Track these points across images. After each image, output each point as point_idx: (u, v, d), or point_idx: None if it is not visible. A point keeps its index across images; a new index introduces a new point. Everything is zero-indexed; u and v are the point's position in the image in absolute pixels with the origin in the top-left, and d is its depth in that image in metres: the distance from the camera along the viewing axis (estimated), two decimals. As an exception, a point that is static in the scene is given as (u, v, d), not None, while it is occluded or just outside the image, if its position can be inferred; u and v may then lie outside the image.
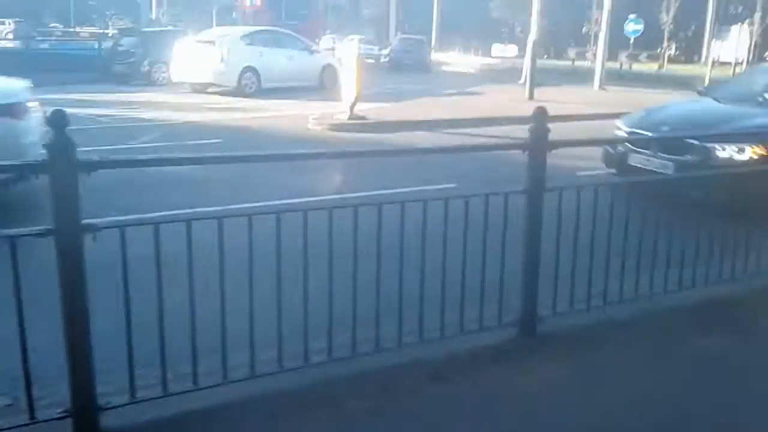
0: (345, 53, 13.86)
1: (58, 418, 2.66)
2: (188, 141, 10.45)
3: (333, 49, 21.81)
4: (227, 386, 2.98)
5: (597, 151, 7.69)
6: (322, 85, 19.13)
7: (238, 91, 17.19)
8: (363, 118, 12.61)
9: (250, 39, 18.57)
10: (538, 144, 3.53)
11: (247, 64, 17.45)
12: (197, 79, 17.61)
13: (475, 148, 4.35)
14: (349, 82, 12.45)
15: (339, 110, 12.90)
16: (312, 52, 20.18)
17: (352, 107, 12.45)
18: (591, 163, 7.89)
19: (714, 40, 22.23)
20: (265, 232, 2.96)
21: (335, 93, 15.22)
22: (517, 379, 3.25)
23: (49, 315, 3.85)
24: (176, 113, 13.93)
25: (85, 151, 2.63)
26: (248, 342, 3.03)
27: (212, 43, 17.55)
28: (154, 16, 35.67)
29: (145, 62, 20.33)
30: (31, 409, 2.64)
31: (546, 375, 3.30)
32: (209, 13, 32.72)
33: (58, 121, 2.52)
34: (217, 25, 30.24)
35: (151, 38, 21.84)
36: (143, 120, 12.89)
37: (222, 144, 10.17)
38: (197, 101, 16.10)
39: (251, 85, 17.60)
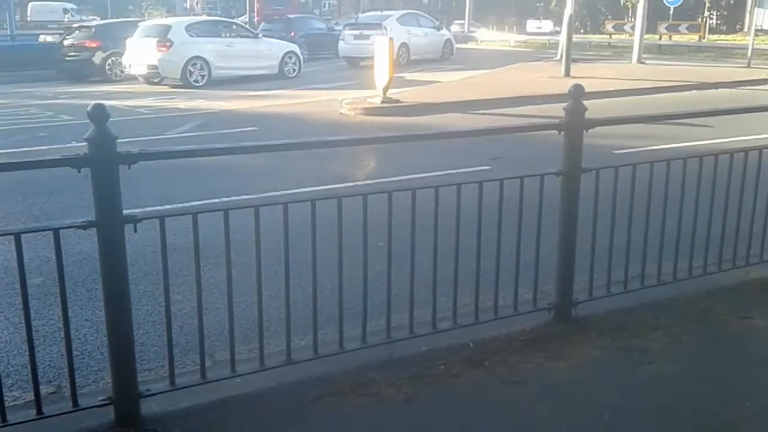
0: (377, 37, 13.83)
1: (100, 405, 2.72)
2: (225, 129, 10.55)
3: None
4: (264, 373, 3.03)
5: (634, 129, 7.53)
6: (444, 56, 23.68)
7: (395, 63, 19.28)
8: (396, 101, 12.55)
9: (402, 21, 22.83)
10: (574, 124, 3.46)
11: (402, 41, 21.22)
12: (364, 55, 20.64)
13: (508, 130, 4.28)
14: (382, 66, 12.39)
15: (372, 94, 12.87)
16: (438, 29, 24.60)
17: (385, 90, 12.40)
18: (628, 141, 7.75)
19: (756, 8, 21.36)
20: (300, 218, 2.98)
21: (454, 63, 22.11)
22: (552, 364, 3.22)
23: (92, 304, 3.99)
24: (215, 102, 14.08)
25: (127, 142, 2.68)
26: (284, 329, 3.06)
27: (379, 25, 21.25)
28: (188, 6, 35.94)
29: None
30: (74, 396, 2.72)
31: (581, 360, 3.27)
32: (242, 1, 32.81)
33: (98, 115, 2.55)
34: (256, 11, 30.72)
35: (294, 22, 26.00)
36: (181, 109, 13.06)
37: (257, 132, 10.25)
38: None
39: (403, 58, 21.24)
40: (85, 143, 2.56)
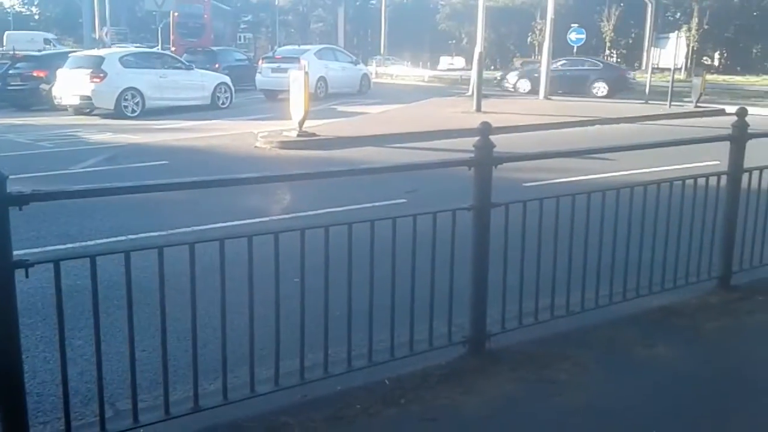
0: (293, 71, 13.83)
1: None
2: (134, 164, 10.20)
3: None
4: (169, 422, 2.88)
5: (543, 162, 7.77)
6: (361, 90, 24.31)
7: (313, 96, 18.88)
8: (312, 134, 12.54)
9: (320, 55, 23.01)
10: (484, 160, 3.54)
11: (320, 75, 21.63)
12: (281, 88, 19.76)
13: (421, 167, 4.34)
14: (297, 99, 12.37)
15: (288, 127, 12.82)
16: (356, 63, 25.21)
17: (301, 124, 12.38)
18: (537, 174, 8.01)
19: (653, 47, 22.69)
20: (209, 257, 2.88)
21: (371, 97, 22.53)
22: (467, 399, 3.22)
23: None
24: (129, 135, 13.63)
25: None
26: (191, 374, 2.93)
27: (297, 59, 20.02)
28: (97, 36, 34.91)
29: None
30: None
31: (495, 393, 3.29)
32: (153, 31, 32.17)
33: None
34: (171, 43, 30.25)
35: (217, 54, 26.57)
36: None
37: (168, 165, 9.97)
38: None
39: (321, 92, 21.55)
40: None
